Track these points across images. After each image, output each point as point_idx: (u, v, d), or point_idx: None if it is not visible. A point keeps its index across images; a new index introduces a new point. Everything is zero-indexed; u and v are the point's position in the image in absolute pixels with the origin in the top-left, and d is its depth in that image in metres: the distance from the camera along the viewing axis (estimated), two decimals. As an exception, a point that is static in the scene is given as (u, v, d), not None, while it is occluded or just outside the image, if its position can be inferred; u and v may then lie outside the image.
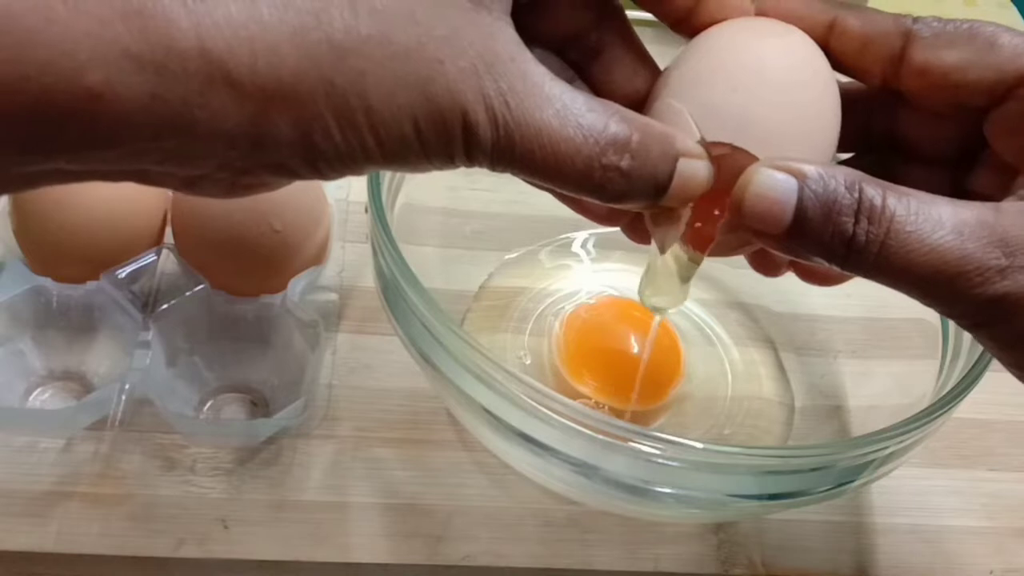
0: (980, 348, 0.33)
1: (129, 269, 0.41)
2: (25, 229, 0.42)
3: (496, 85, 0.22)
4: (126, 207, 0.41)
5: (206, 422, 0.41)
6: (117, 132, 0.20)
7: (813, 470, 0.31)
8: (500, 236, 0.48)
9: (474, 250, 0.47)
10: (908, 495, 0.42)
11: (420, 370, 0.35)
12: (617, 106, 0.23)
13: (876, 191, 0.23)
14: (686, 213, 0.26)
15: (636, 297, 0.35)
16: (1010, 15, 0.72)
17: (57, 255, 0.41)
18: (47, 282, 0.40)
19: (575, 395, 0.42)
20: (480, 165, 0.23)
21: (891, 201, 0.23)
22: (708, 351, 0.46)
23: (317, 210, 0.43)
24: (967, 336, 0.35)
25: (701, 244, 0.27)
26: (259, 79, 0.20)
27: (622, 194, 0.23)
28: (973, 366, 0.33)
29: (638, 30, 0.28)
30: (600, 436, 0.30)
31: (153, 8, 0.19)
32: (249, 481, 0.38)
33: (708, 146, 0.25)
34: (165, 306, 0.40)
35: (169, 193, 0.44)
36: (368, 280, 0.45)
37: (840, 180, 0.23)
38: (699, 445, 0.29)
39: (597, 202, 0.24)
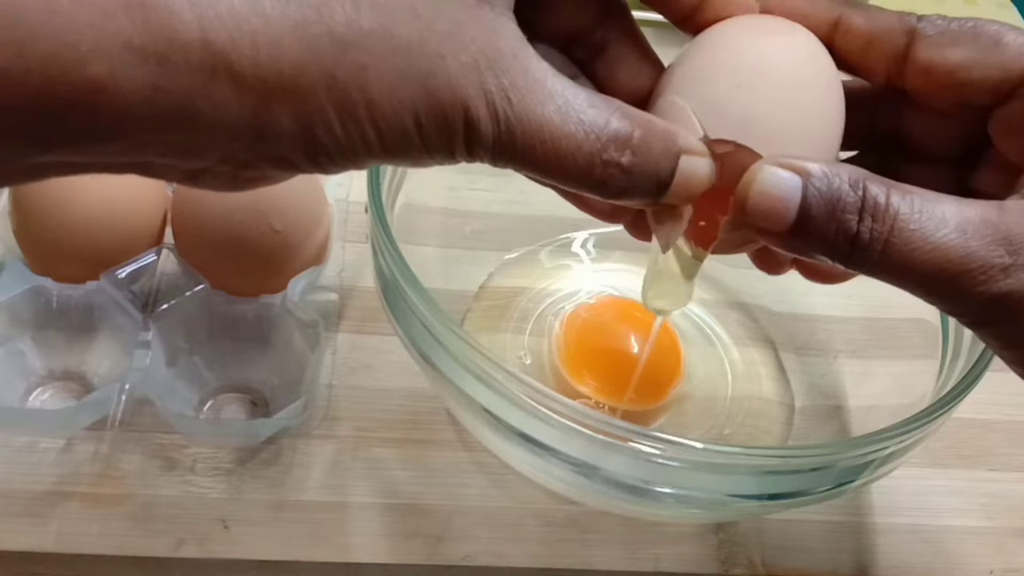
0: (980, 348, 0.33)
1: (129, 269, 0.41)
2: (25, 229, 0.42)
3: (498, 81, 0.22)
4: (126, 207, 0.41)
5: (206, 422, 0.41)
6: (120, 124, 0.20)
7: (813, 470, 0.31)
8: (500, 236, 0.48)
9: (474, 250, 0.47)
10: (908, 495, 0.42)
11: (420, 370, 0.35)
12: (619, 102, 0.23)
13: (880, 189, 0.23)
14: (688, 211, 0.26)
15: (636, 297, 0.35)
16: (1010, 14, 0.72)
17: (57, 255, 0.41)
18: (47, 282, 0.40)
19: (575, 395, 0.42)
20: (481, 160, 0.23)
21: (895, 199, 0.23)
22: (708, 351, 0.46)
23: (317, 210, 0.43)
24: (967, 336, 0.35)
25: (704, 241, 0.27)
26: (261, 71, 0.20)
27: (623, 190, 0.23)
28: (973, 366, 0.33)
29: (643, 29, 0.28)
30: (600, 436, 0.30)
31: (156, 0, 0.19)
32: (249, 481, 0.38)
33: (711, 144, 0.25)
34: (165, 306, 0.40)
35: (169, 193, 0.44)
36: (368, 280, 0.45)
37: (844, 178, 0.23)
38: (699, 445, 0.29)
39: (598, 198, 0.24)
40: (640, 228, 0.30)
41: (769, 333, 0.47)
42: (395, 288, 0.33)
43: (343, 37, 0.20)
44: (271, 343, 0.42)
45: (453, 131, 0.22)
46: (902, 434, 0.31)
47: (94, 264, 0.40)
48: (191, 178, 0.22)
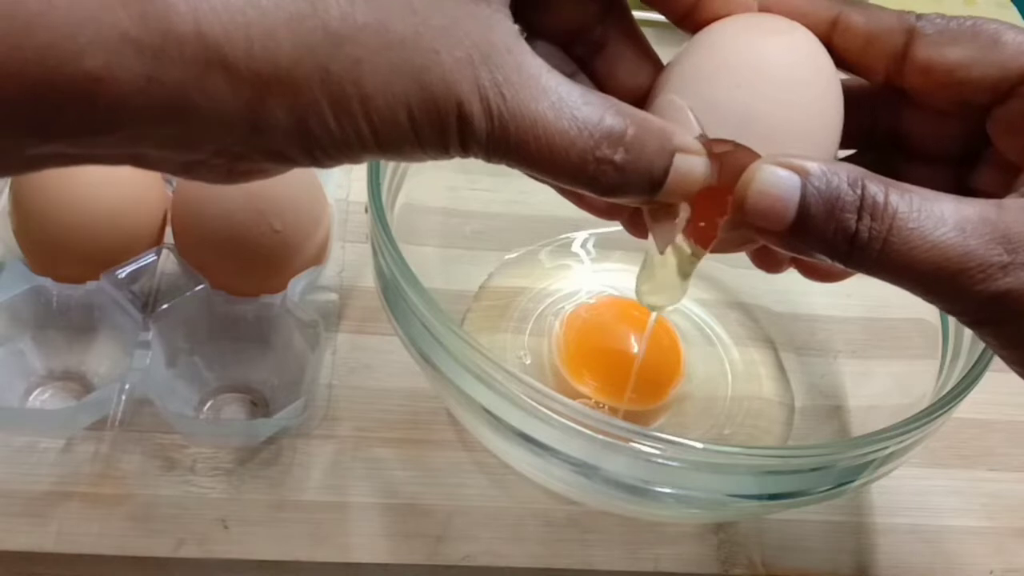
0: (980, 348, 0.33)
1: (129, 269, 0.41)
2: (25, 229, 0.42)
3: (492, 76, 0.22)
4: (126, 207, 0.41)
5: (206, 422, 0.41)
6: (115, 115, 0.20)
7: (813, 470, 0.31)
8: (500, 236, 0.48)
9: (474, 250, 0.47)
10: (908, 495, 0.42)
11: (420, 370, 0.35)
12: (614, 100, 0.23)
13: (879, 188, 0.23)
14: (685, 210, 0.26)
15: (636, 297, 0.35)
16: (1010, 14, 0.72)
17: (57, 255, 0.41)
18: (47, 282, 0.40)
19: (575, 395, 0.42)
20: (475, 155, 0.23)
21: (894, 198, 0.23)
22: (708, 351, 0.46)
23: (317, 210, 0.43)
24: (967, 336, 0.35)
25: (704, 240, 0.27)
26: (255, 64, 0.20)
27: (616, 187, 0.23)
28: (973, 366, 0.33)
29: (644, 29, 0.28)
30: (600, 436, 0.30)
31: None
32: (249, 481, 0.38)
33: (710, 143, 0.25)
34: (165, 306, 0.40)
35: (169, 193, 0.44)
36: (368, 280, 0.45)
37: (843, 177, 0.23)
38: (699, 445, 0.29)
39: (592, 195, 0.24)
40: (638, 226, 0.30)
41: (769, 333, 0.47)
42: (395, 288, 0.33)
43: (337, 31, 0.21)
44: (271, 343, 0.42)
45: (446, 126, 0.22)
46: (902, 434, 0.31)
47: (94, 264, 0.40)
48: (186, 170, 0.23)
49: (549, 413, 0.30)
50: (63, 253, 0.41)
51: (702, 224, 0.26)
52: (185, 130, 0.21)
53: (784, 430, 0.43)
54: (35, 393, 0.41)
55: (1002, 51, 0.25)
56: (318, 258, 0.44)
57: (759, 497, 0.32)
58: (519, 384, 0.30)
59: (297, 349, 0.41)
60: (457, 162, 0.25)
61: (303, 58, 0.20)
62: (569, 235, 0.49)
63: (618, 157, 0.23)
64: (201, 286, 0.41)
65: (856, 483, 0.33)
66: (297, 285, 0.42)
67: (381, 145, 0.22)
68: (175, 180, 0.45)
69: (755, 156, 0.24)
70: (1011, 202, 0.23)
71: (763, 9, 0.27)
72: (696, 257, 0.27)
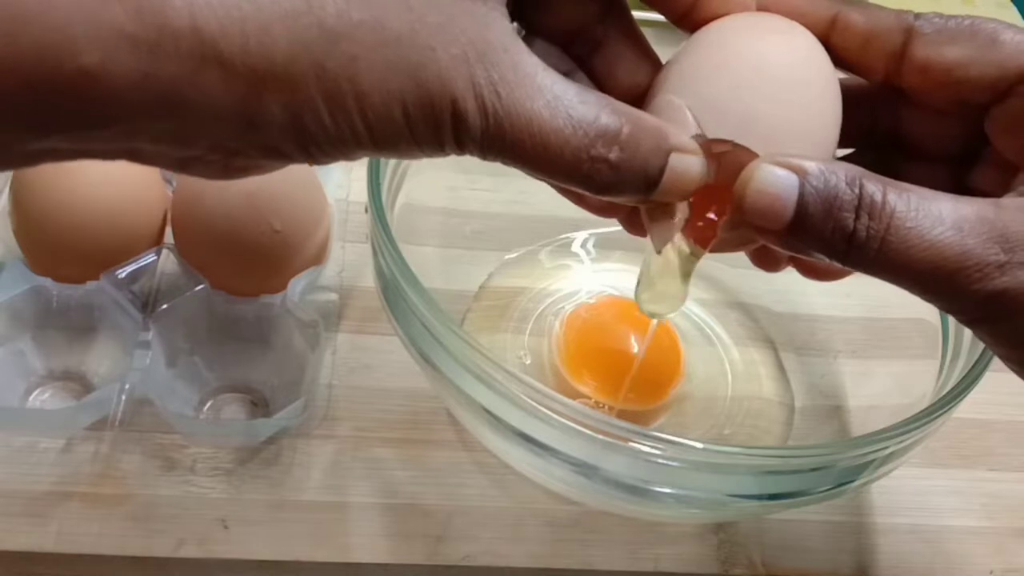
0: (980, 348, 0.33)
1: (129, 269, 0.41)
2: (25, 229, 0.42)
3: (487, 74, 0.22)
4: (126, 207, 0.41)
5: (206, 422, 0.41)
6: (110, 111, 0.20)
7: (813, 470, 0.31)
8: (500, 236, 0.48)
9: (474, 250, 0.47)
10: (908, 495, 0.42)
11: (420, 370, 0.35)
12: (610, 99, 0.23)
13: (877, 187, 0.23)
14: (683, 210, 0.26)
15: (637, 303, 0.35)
16: (1010, 14, 0.72)
17: (57, 255, 0.41)
18: (47, 282, 0.40)
19: (575, 395, 0.42)
20: (470, 153, 0.23)
21: (891, 197, 0.23)
22: (708, 351, 0.46)
23: (317, 210, 0.43)
24: (967, 336, 0.35)
25: (703, 240, 0.27)
26: (250, 60, 0.20)
27: (610, 186, 0.24)
28: (973, 366, 0.33)
29: (644, 29, 0.28)
30: (600, 436, 0.30)
31: None
32: (249, 481, 0.38)
33: (708, 143, 0.25)
34: (165, 306, 0.40)
35: (169, 193, 0.44)
36: (368, 280, 0.45)
37: (841, 176, 0.23)
38: (699, 445, 0.29)
39: (587, 193, 0.24)
40: (635, 224, 0.30)
41: (769, 333, 0.47)
42: (395, 288, 0.33)
43: (333, 28, 0.21)
44: (271, 343, 0.42)
45: (441, 123, 0.22)
46: (902, 434, 0.31)
47: (94, 264, 0.40)
48: (182, 166, 0.23)
49: (549, 413, 0.30)
50: (63, 253, 0.41)
51: (701, 224, 0.26)
52: (180, 125, 0.21)
53: (784, 430, 0.43)
54: (35, 393, 0.41)
55: (1000, 50, 0.25)
56: (318, 258, 0.44)
57: (759, 497, 0.32)
58: (519, 384, 0.30)
59: (297, 349, 0.41)
60: (457, 162, 0.25)
61: (299, 54, 0.20)
62: (569, 235, 0.49)
63: (613, 156, 0.23)
64: (201, 286, 0.41)
65: (856, 483, 0.33)
66: (297, 285, 0.42)
67: (376, 142, 0.22)
68: (175, 180, 0.45)
69: (754, 156, 0.24)
70: (1009, 201, 0.23)
71: (761, 8, 0.27)
72: (695, 256, 0.27)
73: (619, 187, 0.24)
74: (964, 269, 0.23)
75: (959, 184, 0.28)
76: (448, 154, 0.23)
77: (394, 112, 0.21)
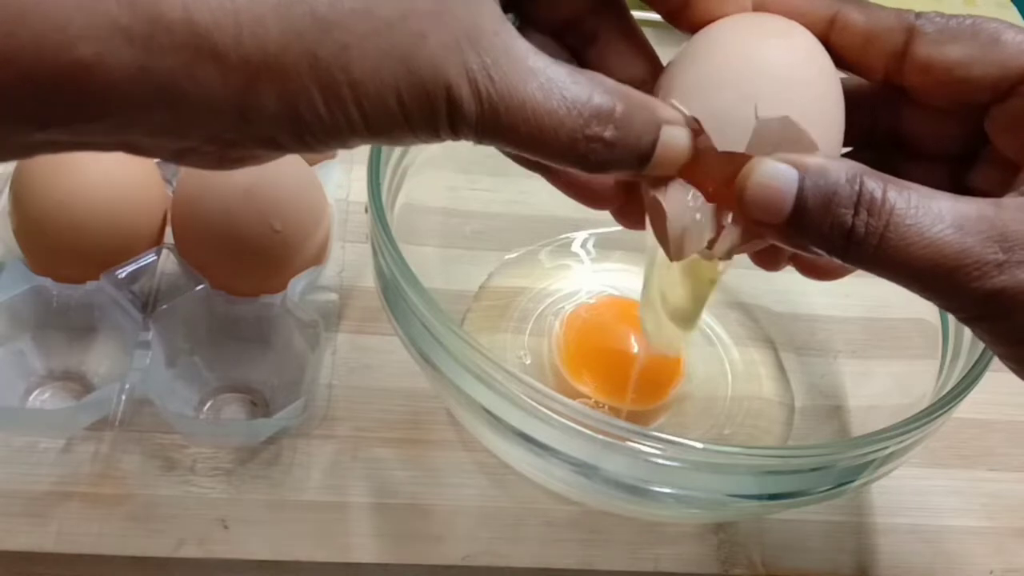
0: (980, 348, 0.33)
1: (129, 269, 0.41)
2: (25, 229, 0.42)
3: (480, 59, 0.22)
4: (126, 207, 0.41)
5: (206, 422, 0.41)
6: (107, 103, 0.20)
7: (813, 470, 0.31)
8: (500, 236, 0.48)
9: (474, 250, 0.47)
10: (908, 495, 0.42)
11: (420, 370, 0.35)
12: (601, 76, 0.24)
13: (877, 184, 0.23)
14: (710, 213, 0.26)
15: (636, 297, 0.35)
16: (1010, 14, 0.72)
17: (57, 255, 0.41)
18: (47, 282, 0.40)
19: (575, 395, 0.41)
20: (465, 138, 0.23)
21: (891, 194, 0.23)
22: (708, 351, 0.46)
23: (317, 210, 0.43)
24: (967, 336, 0.35)
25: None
26: (244, 51, 0.20)
27: (605, 163, 0.24)
28: (973, 366, 0.33)
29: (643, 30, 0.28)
30: (600, 436, 0.30)
31: None
32: (249, 481, 0.38)
33: (691, 118, 0.25)
34: (165, 306, 0.40)
35: (169, 193, 0.44)
36: (368, 280, 0.45)
37: (841, 172, 0.23)
38: (699, 445, 0.29)
39: (580, 172, 0.24)
40: (627, 216, 0.30)
41: (769, 333, 0.47)
42: (395, 288, 0.33)
43: (325, 17, 0.21)
44: (271, 343, 0.42)
45: (435, 109, 0.22)
46: (902, 434, 0.31)
47: (94, 264, 0.40)
48: (178, 157, 0.23)
49: (549, 413, 0.30)
50: (63, 253, 0.41)
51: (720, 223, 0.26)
52: (176, 117, 0.21)
53: (784, 430, 0.43)
54: (35, 393, 0.41)
55: (1002, 50, 0.25)
56: (318, 258, 0.44)
57: (759, 497, 0.32)
58: (519, 384, 0.30)
59: (297, 349, 0.41)
60: (457, 162, 0.25)
61: (291, 44, 0.20)
62: (569, 235, 0.49)
63: (608, 134, 0.23)
64: (201, 286, 0.41)
65: (856, 483, 0.33)
66: (297, 285, 0.42)
67: (371, 129, 0.22)
68: (175, 180, 0.45)
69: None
70: (1009, 201, 0.24)
71: (759, 7, 0.27)
72: (706, 259, 0.27)
73: (614, 164, 0.24)
74: (963, 267, 0.23)
75: (958, 183, 0.28)
76: (443, 140, 0.23)
77: (388, 99, 0.21)
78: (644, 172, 0.25)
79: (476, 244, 0.47)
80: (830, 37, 0.27)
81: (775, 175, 0.23)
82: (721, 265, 0.30)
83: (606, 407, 0.41)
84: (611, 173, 0.25)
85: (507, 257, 0.48)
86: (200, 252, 0.42)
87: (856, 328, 0.46)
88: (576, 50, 0.28)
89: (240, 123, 0.21)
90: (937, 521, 0.42)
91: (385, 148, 0.36)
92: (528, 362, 0.44)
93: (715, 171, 0.25)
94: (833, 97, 0.26)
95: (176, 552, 0.36)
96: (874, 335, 0.45)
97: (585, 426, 0.30)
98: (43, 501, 0.37)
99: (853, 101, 0.27)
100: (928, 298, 0.24)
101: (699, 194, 0.26)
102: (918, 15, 0.26)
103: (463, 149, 0.24)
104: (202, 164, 0.23)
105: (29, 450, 0.38)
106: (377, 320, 0.44)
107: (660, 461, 0.30)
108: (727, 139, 0.25)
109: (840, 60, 0.27)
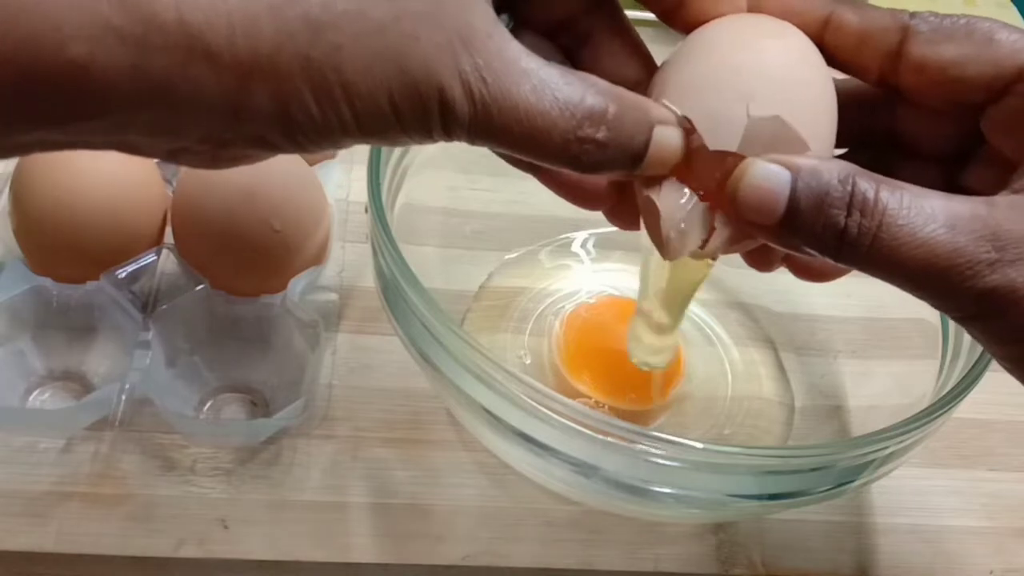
0: (980, 348, 0.33)
1: (129, 269, 0.41)
2: (25, 229, 0.42)
3: (473, 61, 0.22)
4: (126, 207, 0.41)
5: (206, 422, 0.41)
6: (100, 103, 0.20)
7: (813, 470, 0.31)
8: (500, 236, 0.48)
9: (474, 250, 0.47)
10: (908, 495, 0.42)
11: (420, 370, 0.35)
12: (593, 78, 0.24)
13: (869, 184, 0.23)
14: (704, 211, 0.26)
15: (636, 296, 0.35)
16: (1010, 14, 0.72)
17: (57, 255, 0.41)
18: (47, 282, 0.40)
19: (575, 395, 0.42)
20: (458, 139, 0.23)
21: (884, 194, 0.23)
22: (708, 351, 0.46)
23: (317, 210, 0.43)
24: (967, 336, 0.35)
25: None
26: (237, 52, 0.20)
27: (598, 164, 0.24)
28: (973, 366, 0.33)
29: (638, 29, 0.28)
30: (600, 436, 0.30)
31: None
32: (249, 481, 0.38)
33: (682, 118, 0.25)
34: (165, 306, 0.40)
35: (169, 193, 0.44)
36: (368, 280, 0.45)
37: (834, 173, 0.23)
38: (699, 445, 0.29)
39: (572, 172, 0.24)
40: (620, 215, 0.30)
41: (769, 333, 0.47)
42: (395, 288, 0.33)
43: (318, 18, 0.21)
44: (271, 343, 0.42)
45: (428, 110, 0.22)
46: (902, 434, 0.31)
47: (94, 264, 0.40)
48: (171, 156, 0.23)
49: (549, 413, 0.30)
50: (63, 253, 0.41)
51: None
52: (169, 117, 0.21)
53: (784, 430, 0.43)
54: (35, 393, 0.41)
55: (996, 49, 0.25)
56: (318, 258, 0.44)
57: (759, 497, 0.32)
58: (519, 384, 0.30)
59: (297, 349, 0.41)
60: (457, 162, 0.25)
61: (284, 45, 0.20)
62: (569, 235, 0.49)
63: (600, 135, 0.23)
64: (201, 286, 0.41)
65: (856, 483, 0.33)
66: (297, 285, 0.42)
67: (363, 130, 0.22)
68: (175, 180, 0.45)
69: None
70: (1001, 199, 0.24)
71: (755, 9, 0.27)
72: (697, 259, 0.27)
73: (607, 164, 0.24)
74: (955, 267, 0.23)
75: (952, 183, 0.28)
76: (436, 141, 0.23)
77: (380, 101, 0.22)
78: (637, 172, 0.25)
79: (476, 244, 0.47)
80: (824, 37, 0.27)
81: (768, 176, 0.23)
82: (711, 263, 0.30)
83: (606, 407, 0.41)
84: (604, 173, 0.25)
85: (507, 257, 0.48)
86: (200, 252, 0.42)
87: (856, 328, 0.46)
88: (570, 51, 0.28)
89: (233, 123, 0.21)
90: (937, 521, 0.42)
91: (385, 148, 0.36)
92: (528, 362, 0.44)
93: (708, 171, 0.25)
94: (826, 98, 0.26)
95: (176, 552, 0.36)
96: (874, 335, 0.45)
97: (585, 426, 0.30)
98: (43, 501, 0.37)
99: (848, 101, 0.27)
100: (922, 298, 0.24)
101: (692, 194, 0.26)
102: (912, 15, 0.26)
103: (463, 149, 0.24)
104: (196, 163, 0.23)
105: (29, 450, 0.38)
106: (377, 320, 0.44)
107: (660, 461, 0.30)
108: (719, 139, 0.25)
109: (835, 60, 0.27)
